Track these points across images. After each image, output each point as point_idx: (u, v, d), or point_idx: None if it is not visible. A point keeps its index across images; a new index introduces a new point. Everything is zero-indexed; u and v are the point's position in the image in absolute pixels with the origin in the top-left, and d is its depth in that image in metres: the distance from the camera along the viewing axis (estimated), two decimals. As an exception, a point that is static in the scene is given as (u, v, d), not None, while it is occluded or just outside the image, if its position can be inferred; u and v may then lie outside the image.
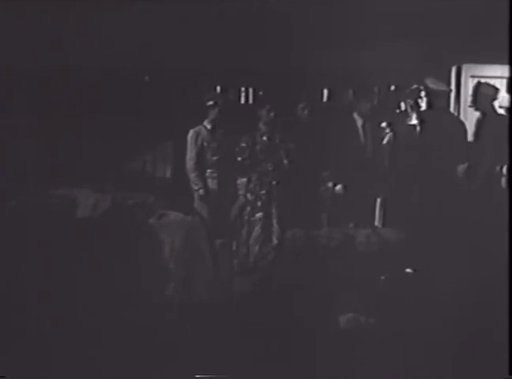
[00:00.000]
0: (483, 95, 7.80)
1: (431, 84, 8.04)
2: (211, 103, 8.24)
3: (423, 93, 8.02)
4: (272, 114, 8.24)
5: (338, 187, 8.22)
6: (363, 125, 8.34)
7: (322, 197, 8.25)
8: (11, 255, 6.67)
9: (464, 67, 8.42)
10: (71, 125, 7.58)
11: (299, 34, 7.71)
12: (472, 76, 8.27)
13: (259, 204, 8.23)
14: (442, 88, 8.15)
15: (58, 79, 7.49)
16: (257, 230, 8.20)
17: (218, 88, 8.34)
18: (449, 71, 8.41)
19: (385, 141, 8.20)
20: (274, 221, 8.22)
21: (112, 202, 7.32)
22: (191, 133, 8.27)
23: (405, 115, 8.20)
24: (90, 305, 6.55)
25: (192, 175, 8.24)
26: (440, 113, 8.11)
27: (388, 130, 8.19)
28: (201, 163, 8.26)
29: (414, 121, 8.13)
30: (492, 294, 6.64)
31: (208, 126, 8.30)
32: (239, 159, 8.24)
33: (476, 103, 7.85)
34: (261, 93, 8.41)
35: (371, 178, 8.14)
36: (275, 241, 8.14)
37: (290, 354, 6.37)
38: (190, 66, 7.88)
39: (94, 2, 7.34)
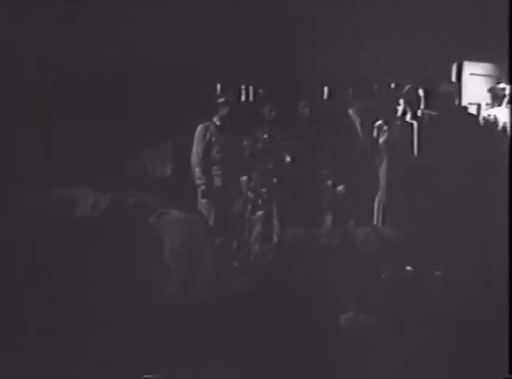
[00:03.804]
0: None
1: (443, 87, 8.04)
2: (221, 100, 8.21)
3: (420, 92, 8.02)
4: (273, 112, 8.24)
5: (340, 188, 8.22)
6: (363, 124, 8.34)
7: (323, 195, 8.26)
8: (11, 254, 6.66)
9: (465, 65, 8.42)
10: (71, 124, 7.59)
11: (300, 34, 7.72)
12: (472, 74, 8.26)
13: (260, 202, 8.23)
14: (449, 88, 8.16)
15: (58, 78, 7.50)
16: (257, 228, 8.21)
17: (218, 87, 8.33)
18: (450, 69, 8.41)
19: (382, 140, 8.22)
20: (275, 219, 8.22)
21: (112, 201, 7.30)
22: (200, 127, 8.24)
23: (404, 114, 8.23)
24: (90, 304, 6.55)
25: (197, 170, 8.20)
26: (441, 112, 8.14)
27: (386, 128, 8.20)
28: (206, 159, 8.23)
29: (411, 119, 8.15)
30: (492, 293, 6.64)
31: (218, 123, 8.25)
32: (241, 157, 8.23)
33: None
34: (261, 91, 8.41)
35: (371, 176, 8.15)
36: (275, 239, 8.14)
37: (290, 352, 6.36)
38: (193, 64, 7.88)
39: (97, 3, 7.34)
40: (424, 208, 7.90)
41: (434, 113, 8.12)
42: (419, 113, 8.10)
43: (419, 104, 8.10)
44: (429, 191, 7.89)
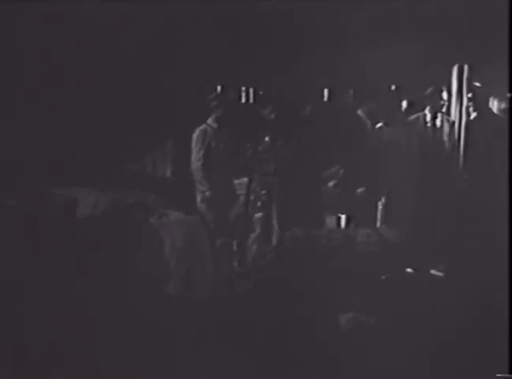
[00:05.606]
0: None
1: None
2: (215, 103, 8.16)
3: (444, 95, 8.04)
4: (274, 114, 8.23)
5: (341, 190, 8.24)
6: (365, 125, 8.35)
7: (323, 197, 8.27)
8: (11, 254, 6.67)
9: (466, 67, 8.42)
10: (72, 124, 7.60)
11: (301, 35, 7.73)
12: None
13: (259, 204, 8.22)
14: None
15: (59, 78, 7.51)
16: (257, 230, 8.21)
17: (219, 88, 8.30)
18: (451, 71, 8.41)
19: (385, 142, 8.23)
20: (274, 221, 8.21)
21: (113, 201, 7.32)
22: (197, 132, 8.11)
23: (407, 115, 8.26)
24: (90, 304, 6.55)
25: (199, 176, 8.08)
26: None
27: (388, 130, 8.23)
28: (208, 164, 8.12)
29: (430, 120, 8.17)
30: (492, 294, 6.64)
31: (215, 126, 8.18)
32: (242, 159, 8.23)
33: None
34: (261, 93, 8.39)
35: (373, 178, 8.16)
36: (274, 241, 8.14)
37: (290, 353, 6.36)
38: (194, 65, 7.89)
39: (97, 3, 7.36)
40: (425, 209, 7.91)
41: (451, 118, 8.15)
42: (438, 116, 8.11)
43: (441, 107, 8.11)
44: (430, 193, 7.91)
